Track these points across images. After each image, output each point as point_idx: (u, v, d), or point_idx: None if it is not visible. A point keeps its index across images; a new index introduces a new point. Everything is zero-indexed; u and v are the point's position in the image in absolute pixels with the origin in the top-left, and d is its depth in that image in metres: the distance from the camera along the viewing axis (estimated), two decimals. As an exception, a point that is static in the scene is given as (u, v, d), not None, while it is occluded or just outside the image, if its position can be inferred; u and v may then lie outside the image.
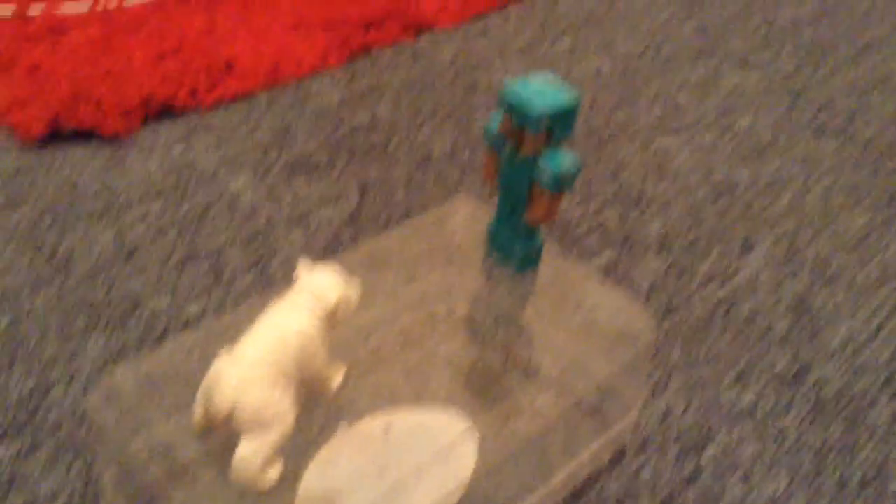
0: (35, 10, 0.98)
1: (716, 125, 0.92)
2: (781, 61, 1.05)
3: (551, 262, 0.60)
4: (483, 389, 0.59)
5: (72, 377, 0.58)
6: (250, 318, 0.47)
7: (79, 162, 0.79)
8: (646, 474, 0.55)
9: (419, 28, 1.05)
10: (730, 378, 0.62)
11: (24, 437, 0.53)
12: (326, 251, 0.70)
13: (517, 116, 0.48)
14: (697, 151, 0.87)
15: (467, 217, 0.64)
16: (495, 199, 0.55)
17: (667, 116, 0.93)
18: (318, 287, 0.44)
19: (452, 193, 0.78)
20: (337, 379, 0.47)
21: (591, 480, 0.54)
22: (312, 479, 0.50)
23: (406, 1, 1.06)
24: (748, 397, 0.61)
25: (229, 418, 0.41)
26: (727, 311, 0.68)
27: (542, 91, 0.48)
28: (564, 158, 0.49)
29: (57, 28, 0.94)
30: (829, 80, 1.02)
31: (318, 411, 0.55)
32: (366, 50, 1.01)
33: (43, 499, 0.50)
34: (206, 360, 0.45)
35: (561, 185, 0.49)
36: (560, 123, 0.48)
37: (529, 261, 0.55)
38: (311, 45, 0.97)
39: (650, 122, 0.91)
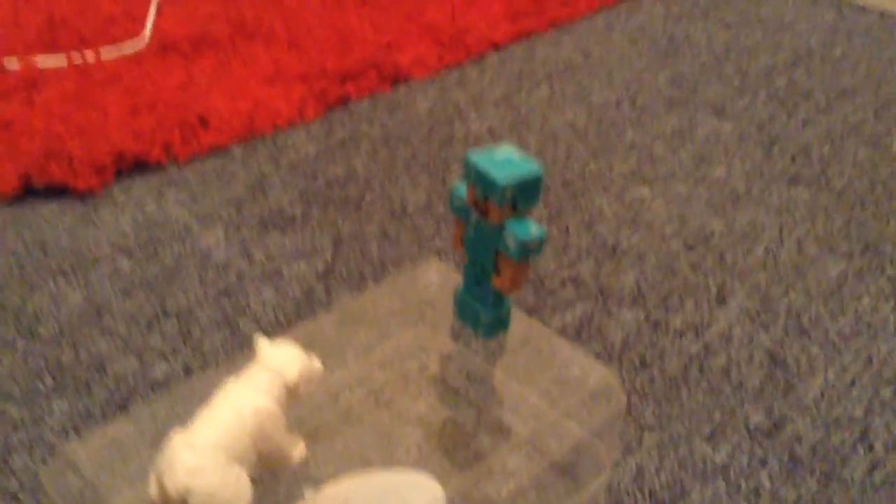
0: (12, 65, 0.98)
1: (691, 175, 0.92)
2: (756, 110, 1.06)
3: (522, 321, 0.60)
4: (454, 450, 0.58)
5: (33, 443, 0.56)
6: (217, 383, 0.47)
7: (50, 218, 0.78)
8: (618, 537, 0.54)
9: (396, 79, 1.06)
10: (703, 435, 0.61)
11: (-18, 508, 0.52)
12: (299, 308, 0.70)
13: (481, 187, 0.48)
14: (672, 202, 0.88)
15: (439, 277, 0.64)
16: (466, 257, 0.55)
17: (642, 167, 0.93)
18: (277, 364, 0.44)
19: (426, 246, 0.78)
20: (297, 454, 0.46)
21: (563, 545, 0.53)
22: (276, 548, 0.49)
23: (383, 53, 1.07)
24: (722, 454, 0.60)
25: (183, 501, 0.40)
26: (700, 366, 0.67)
27: (505, 162, 0.48)
28: (529, 228, 0.48)
29: (32, 83, 0.94)
30: (804, 128, 1.03)
31: (284, 477, 0.54)
32: (343, 101, 1.01)
33: (-1, 574, 0.49)
34: (171, 425, 0.44)
35: (526, 254, 0.49)
36: (524, 194, 0.48)
37: (497, 326, 0.55)
38: (287, 97, 0.98)
39: (625, 173, 0.92)
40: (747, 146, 0.99)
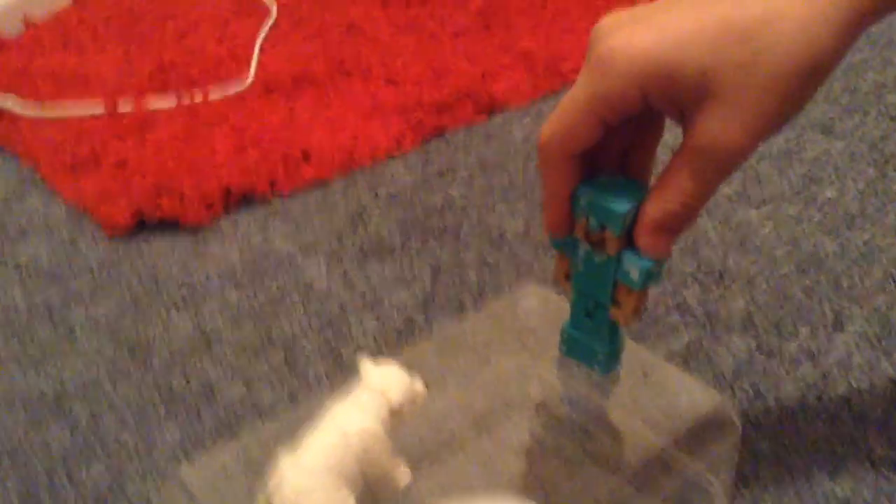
0: (125, 107, 1.03)
1: (800, 196, 0.89)
2: (867, 128, 1.02)
3: (628, 347, 0.59)
4: (559, 480, 0.57)
5: (147, 472, 0.58)
6: (321, 407, 0.47)
7: (162, 252, 0.81)
8: (735, 574, 0.51)
9: (491, 109, 1.06)
10: (825, 469, 0.58)
11: (100, 532, 0.54)
12: (399, 336, 0.70)
13: (597, 218, 0.46)
14: (782, 224, 0.85)
15: (539, 302, 0.63)
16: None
17: (748, 189, 0.90)
18: (381, 385, 0.44)
19: (526, 274, 0.77)
20: (403, 479, 0.46)
21: (676, 581, 0.51)
22: (382, 578, 0.49)
23: (478, 84, 1.08)
24: (844, 488, 0.57)
25: (292, 522, 0.40)
26: (819, 395, 0.64)
27: (616, 189, 0.46)
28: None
29: (144, 124, 0.99)
30: (920, 145, 0.98)
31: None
32: (439, 132, 1.02)
33: None
34: (275, 452, 0.45)
35: (649, 281, 0.47)
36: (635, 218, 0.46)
37: (614, 360, 0.53)
38: (385, 130, 0.99)
39: (730, 195, 0.89)
40: (859, 165, 0.94)
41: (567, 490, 0.56)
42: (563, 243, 0.50)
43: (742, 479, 0.57)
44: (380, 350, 0.69)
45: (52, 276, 0.78)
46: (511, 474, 0.57)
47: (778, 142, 0.99)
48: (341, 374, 0.66)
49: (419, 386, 0.47)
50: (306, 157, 0.94)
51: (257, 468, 0.50)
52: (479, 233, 0.84)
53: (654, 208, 0.44)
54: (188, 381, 0.66)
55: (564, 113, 0.44)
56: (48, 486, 0.57)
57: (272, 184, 0.90)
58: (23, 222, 0.86)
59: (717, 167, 0.44)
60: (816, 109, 1.06)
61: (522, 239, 0.83)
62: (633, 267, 0.46)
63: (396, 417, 0.44)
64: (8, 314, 0.73)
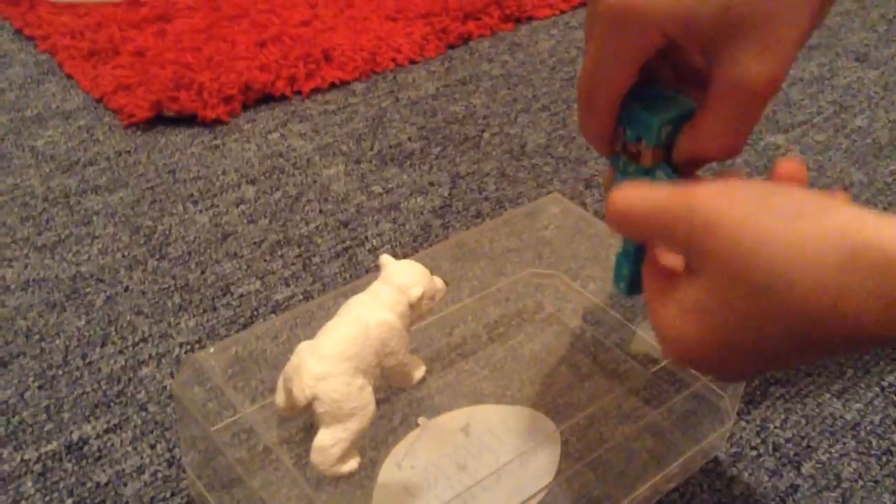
0: (145, -2, 1.00)
1: (829, 123, 0.87)
2: (903, 57, 0.99)
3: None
4: (568, 391, 0.57)
5: (161, 356, 0.59)
6: (339, 305, 0.47)
7: (179, 146, 0.80)
8: (738, 488, 0.52)
9: (518, 19, 1.04)
10: (833, 391, 0.58)
11: (113, 413, 0.55)
12: (415, 241, 0.70)
13: (633, 129, 0.44)
14: (808, 151, 0.83)
15: (559, 214, 0.62)
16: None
17: (777, 113, 0.88)
18: (401, 281, 0.44)
19: (545, 186, 0.76)
20: (418, 373, 0.46)
21: (680, 491, 0.52)
22: (391, 470, 0.50)
23: (506, -9, 1.05)
24: (853, 412, 0.57)
25: (309, 408, 0.41)
26: (833, 321, 0.64)
27: (659, 102, 0.44)
28: None
29: (164, 15, 0.97)
30: (956, 78, 0.95)
31: (399, 404, 0.54)
32: (464, 40, 1.00)
33: (128, 475, 0.51)
34: (293, 345, 0.45)
35: None
36: (677, 133, 0.44)
37: (636, 286, 0.50)
38: (409, 35, 0.97)
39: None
40: (892, 95, 0.92)
41: (576, 400, 0.56)
42: (613, 156, 0.48)
43: (751, 399, 0.58)
44: (395, 253, 0.69)
45: (69, 162, 0.78)
46: (521, 382, 0.57)
47: (810, 67, 0.97)
48: (355, 274, 0.66)
49: (439, 282, 0.46)
50: (327, 57, 0.92)
51: (272, 359, 0.50)
52: (500, 143, 0.83)
53: (685, 150, 0.42)
54: (204, 274, 0.66)
55: (596, 70, 0.42)
56: (63, 367, 0.58)
57: (292, 83, 0.89)
58: (40, 108, 0.85)
59: (751, 104, 0.40)
60: (852, 37, 1.03)
61: (543, 152, 0.81)
62: (665, 182, 0.45)
63: (415, 312, 0.44)
64: (25, 198, 0.73)
